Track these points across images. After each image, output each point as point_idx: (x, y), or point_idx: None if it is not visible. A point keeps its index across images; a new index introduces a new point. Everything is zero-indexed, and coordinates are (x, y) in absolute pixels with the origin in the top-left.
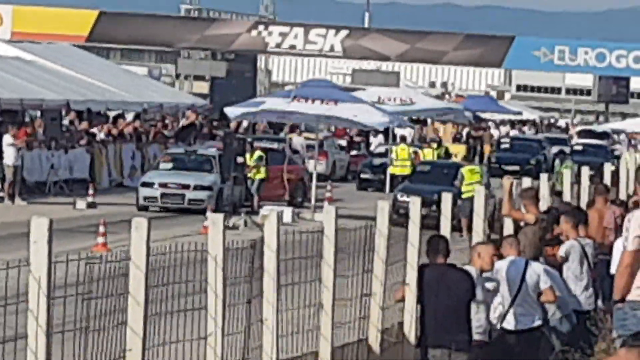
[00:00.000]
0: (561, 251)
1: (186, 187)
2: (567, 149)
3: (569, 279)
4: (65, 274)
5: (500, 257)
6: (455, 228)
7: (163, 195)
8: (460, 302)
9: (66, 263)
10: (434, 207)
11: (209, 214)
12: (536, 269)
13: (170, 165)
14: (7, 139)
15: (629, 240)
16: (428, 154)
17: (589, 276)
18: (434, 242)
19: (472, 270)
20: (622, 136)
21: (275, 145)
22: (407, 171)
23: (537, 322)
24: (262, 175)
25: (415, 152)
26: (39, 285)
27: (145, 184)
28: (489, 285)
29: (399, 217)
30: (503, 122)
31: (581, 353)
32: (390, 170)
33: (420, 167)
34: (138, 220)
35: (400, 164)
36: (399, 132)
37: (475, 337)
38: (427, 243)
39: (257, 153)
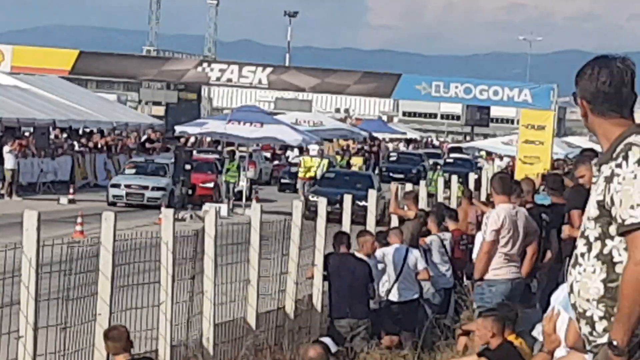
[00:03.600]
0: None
1: (145, 187)
2: (440, 161)
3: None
4: (51, 255)
5: (386, 244)
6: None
7: (127, 194)
8: (360, 283)
9: (52, 246)
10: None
11: (162, 209)
12: (415, 254)
13: (133, 170)
14: (6, 148)
15: (487, 233)
16: (307, 162)
17: (447, 263)
18: (339, 236)
19: (366, 258)
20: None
21: (215, 156)
22: (310, 175)
23: (415, 295)
24: (231, 179)
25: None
26: (30, 263)
27: (113, 185)
28: (380, 266)
29: (310, 213)
30: (392, 140)
31: (449, 319)
32: (299, 175)
33: (327, 174)
34: (107, 214)
35: (304, 170)
36: (310, 147)
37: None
38: (334, 237)
39: (237, 161)
